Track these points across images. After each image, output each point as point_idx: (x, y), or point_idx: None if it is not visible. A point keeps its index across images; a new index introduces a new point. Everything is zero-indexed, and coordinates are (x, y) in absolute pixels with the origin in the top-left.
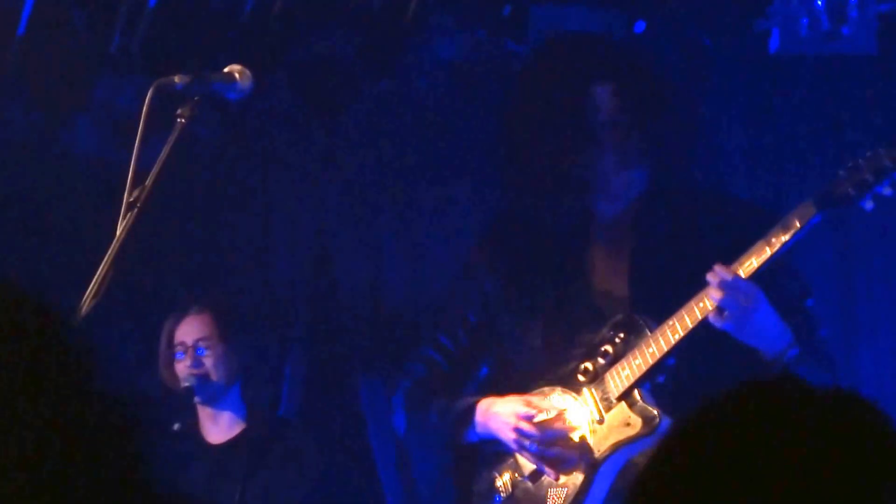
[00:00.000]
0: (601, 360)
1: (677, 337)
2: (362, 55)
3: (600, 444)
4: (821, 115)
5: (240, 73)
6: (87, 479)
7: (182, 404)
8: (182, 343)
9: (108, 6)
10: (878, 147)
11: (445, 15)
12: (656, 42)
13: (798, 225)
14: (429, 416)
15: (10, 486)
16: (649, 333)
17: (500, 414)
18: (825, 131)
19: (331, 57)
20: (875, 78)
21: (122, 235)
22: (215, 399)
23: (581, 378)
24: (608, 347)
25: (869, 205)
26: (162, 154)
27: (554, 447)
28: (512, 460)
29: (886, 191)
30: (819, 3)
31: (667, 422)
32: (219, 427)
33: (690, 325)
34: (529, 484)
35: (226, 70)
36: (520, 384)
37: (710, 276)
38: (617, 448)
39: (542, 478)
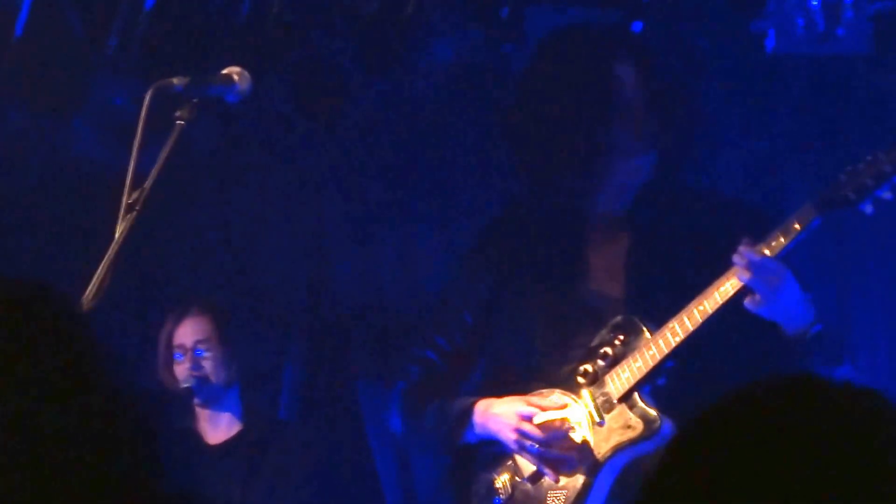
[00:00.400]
0: (601, 362)
1: (678, 339)
2: (359, 57)
3: (600, 446)
4: (816, 115)
5: (238, 75)
6: (102, 476)
7: (181, 406)
8: (181, 345)
9: (105, 8)
10: (878, 151)
11: (442, 16)
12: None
13: (798, 228)
14: (425, 417)
15: (24, 483)
16: (649, 336)
17: (501, 414)
18: (820, 131)
19: (328, 59)
20: (870, 78)
21: (121, 237)
22: (214, 401)
23: (580, 380)
24: (608, 349)
25: (869, 208)
26: (161, 156)
27: (555, 448)
28: (511, 462)
29: (886, 195)
30: (814, 3)
31: (667, 424)
32: (218, 428)
33: (691, 327)
34: (529, 485)
35: (224, 72)
36: (517, 385)
37: (736, 258)
38: (617, 450)
39: (542, 479)
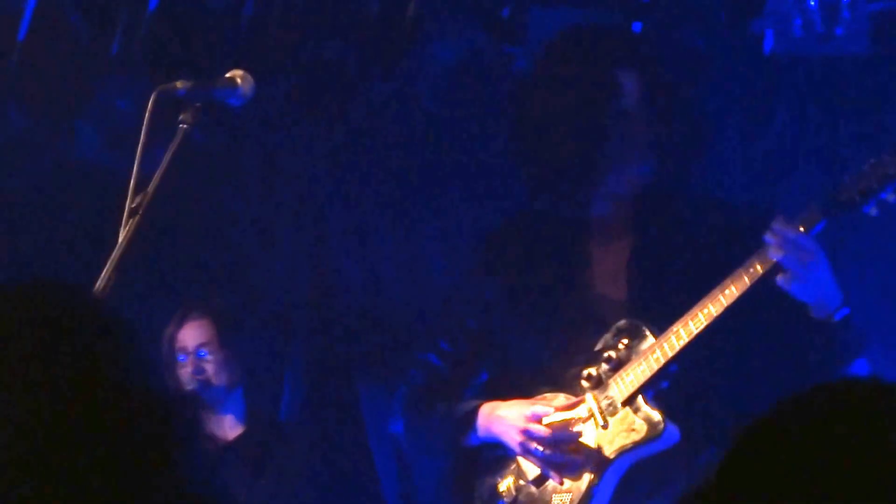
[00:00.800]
0: (605, 366)
1: (682, 343)
2: (361, 58)
3: (605, 449)
4: (815, 116)
5: (242, 78)
6: (133, 477)
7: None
8: (183, 348)
9: (108, 11)
10: (882, 154)
11: (444, 18)
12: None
13: (803, 231)
14: (429, 420)
15: (54, 483)
16: (653, 339)
17: (505, 417)
18: (819, 132)
19: (330, 61)
20: (868, 78)
21: (125, 241)
22: (216, 403)
23: (585, 384)
24: (612, 353)
25: (873, 211)
26: (164, 160)
27: (559, 451)
28: (515, 465)
29: (891, 197)
30: (812, 3)
31: (671, 427)
32: (220, 431)
33: (695, 330)
34: (533, 489)
35: (227, 75)
36: (521, 389)
37: (769, 236)
38: (621, 453)
39: (546, 482)
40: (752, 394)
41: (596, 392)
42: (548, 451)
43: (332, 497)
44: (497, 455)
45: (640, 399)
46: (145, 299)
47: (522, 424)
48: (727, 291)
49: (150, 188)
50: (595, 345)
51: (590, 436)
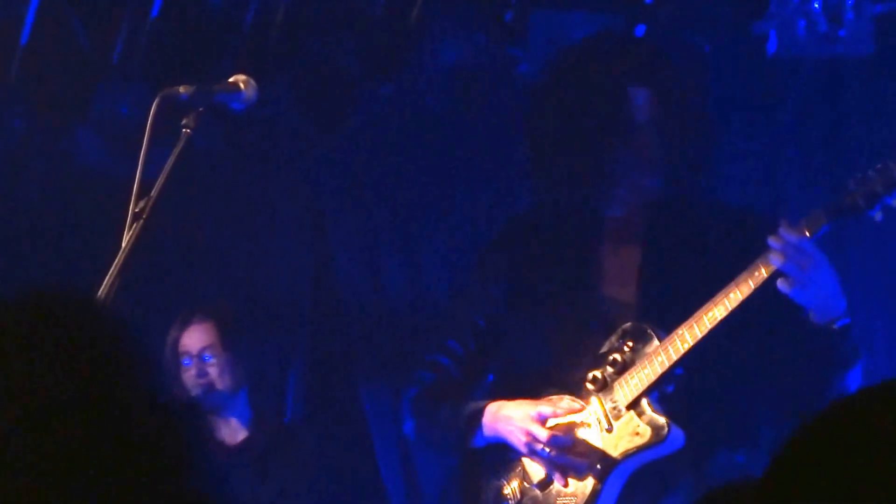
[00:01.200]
0: (610, 369)
1: (686, 346)
2: (364, 61)
3: (610, 453)
4: (818, 117)
5: (244, 82)
6: (145, 487)
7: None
8: (187, 352)
9: (110, 17)
10: (888, 159)
11: (447, 20)
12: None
13: (808, 234)
14: (437, 420)
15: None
16: (658, 342)
17: (511, 417)
18: (822, 133)
19: (333, 64)
20: (872, 79)
21: (129, 246)
22: (221, 407)
23: (590, 386)
24: (617, 356)
25: (878, 216)
26: (167, 164)
27: (564, 454)
28: (520, 468)
29: None
30: (816, 5)
31: (676, 430)
32: (225, 435)
33: (700, 334)
34: (538, 492)
35: (230, 80)
36: (527, 391)
37: (773, 240)
38: (626, 457)
39: (551, 485)
40: (757, 397)
41: (601, 395)
42: (553, 454)
43: (338, 500)
44: (502, 458)
45: (644, 402)
46: (149, 303)
47: (528, 426)
48: (732, 295)
49: (154, 193)
50: (600, 347)
51: (595, 439)
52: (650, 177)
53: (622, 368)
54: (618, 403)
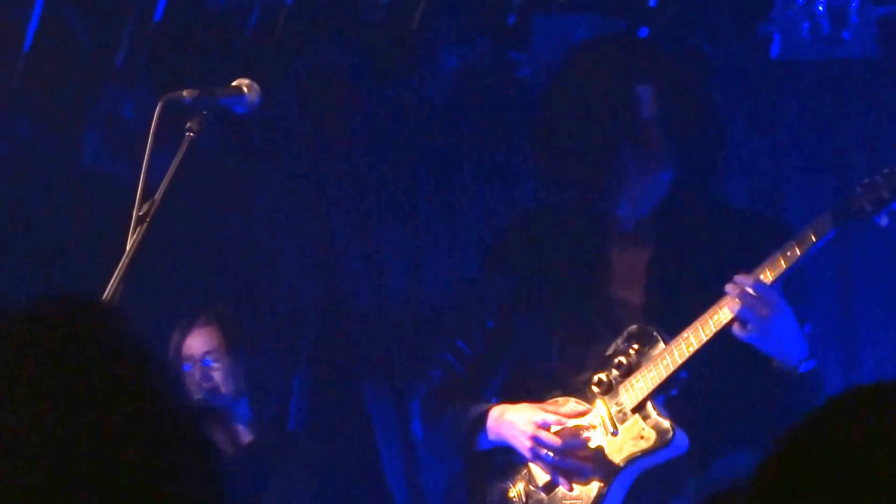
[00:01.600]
0: (615, 372)
1: (692, 350)
2: (367, 65)
3: (614, 456)
4: (822, 120)
5: (248, 86)
6: (166, 493)
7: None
8: (190, 356)
9: (113, 21)
10: (894, 165)
11: (449, 24)
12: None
13: (814, 239)
14: (440, 427)
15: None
16: (664, 345)
17: (515, 422)
18: (827, 136)
19: (335, 68)
20: (876, 82)
21: (132, 249)
22: (224, 412)
23: (595, 389)
24: (622, 359)
25: (884, 220)
26: (171, 168)
27: (569, 457)
28: (525, 471)
29: None
30: (820, 7)
31: (680, 434)
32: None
33: (705, 338)
34: (543, 495)
35: (234, 84)
36: (533, 393)
37: (728, 287)
38: (631, 460)
39: (556, 489)
40: (763, 402)
41: (606, 398)
42: (557, 458)
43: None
44: (508, 460)
45: (649, 406)
46: (152, 307)
47: (532, 431)
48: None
49: (157, 196)
50: (606, 350)
51: (599, 443)
52: (659, 175)
53: (627, 371)
54: (623, 407)
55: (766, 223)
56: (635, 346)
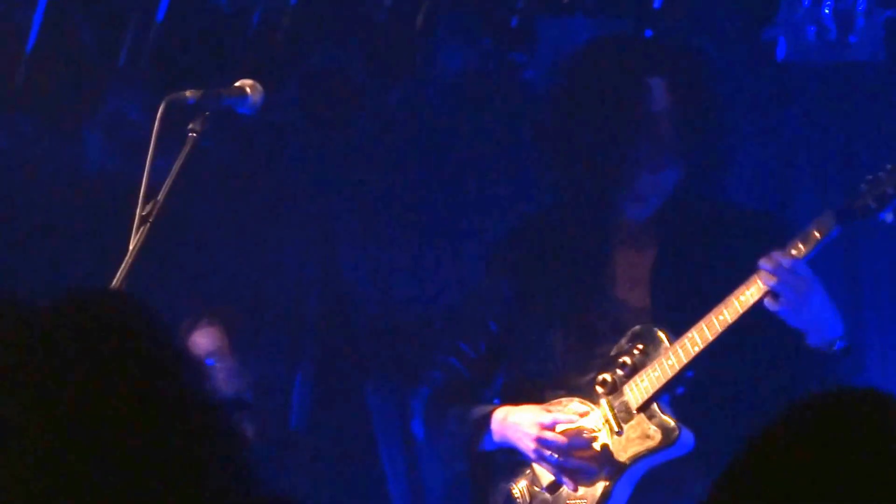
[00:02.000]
0: (619, 372)
1: (697, 349)
2: (370, 66)
3: (619, 456)
4: (828, 123)
5: (251, 87)
6: (199, 485)
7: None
8: None
9: (116, 21)
10: None
11: (452, 25)
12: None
13: (818, 236)
14: (446, 423)
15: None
16: (668, 345)
17: (519, 423)
18: (832, 139)
19: (338, 68)
20: (882, 85)
21: (136, 249)
22: None
23: (599, 389)
24: (626, 359)
25: (889, 217)
26: (174, 168)
27: (574, 458)
28: (529, 471)
29: None
30: (826, 11)
31: (686, 433)
32: None
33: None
34: (547, 495)
35: (237, 84)
36: (537, 394)
37: (763, 262)
38: (636, 460)
39: (561, 489)
40: (769, 400)
41: (610, 398)
42: (562, 458)
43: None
44: (512, 460)
45: (654, 405)
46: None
47: (536, 432)
48: (742, 298)
49: (160, 197)
50: (610, 350)
51: (604, 442)
52: (668, 173)
53: (632, 371)
54: (627, 406)
55: (771, 224)
56: (640, 346)
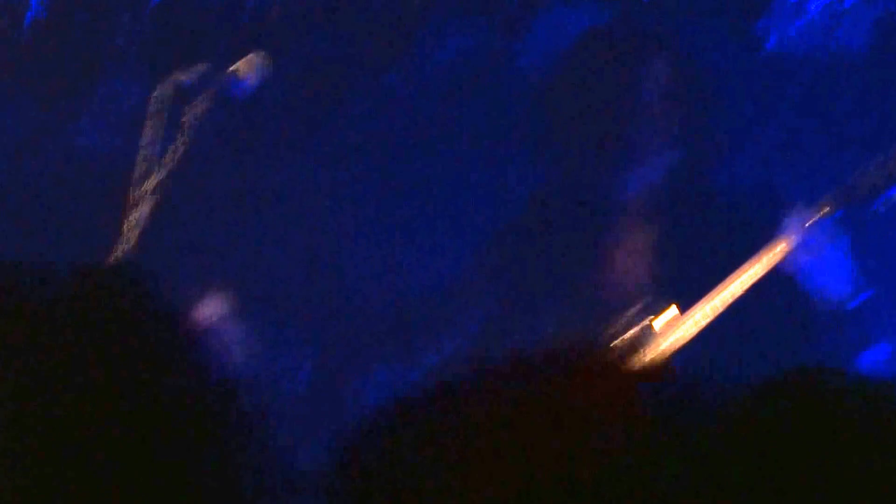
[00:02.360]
0: (625, 346)
1: (702, 323)
2: (364, 52)
3: None
4: (815, 115)
5: (246, 70)
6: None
7: None
8: None
9: (112, 2)
10: (889, 154)
11: (448, 11)
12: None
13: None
14: None
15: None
16: (675, 316)
17: None
18: (820, 131)
19: (332, 54)
20: (868, 78)
21: (130, 233)
22: None
23: None
24: (633, 332)
25: (881, 208)
26: (169, 150)
27: None
28: None
29: None
30: (814, 5)
31: None
32: None
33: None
34: None
35: (232, 67)
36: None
37: (787, 221)
38: None
39: None
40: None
41: None
42: None
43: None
44: None
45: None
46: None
47: None
48: (749, 273)
49: (155, 179)
50: (616, 325)
51: None
52: (665, 155)
53: (640, 343)
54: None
55: (772, 199)
56: (648, 320)
